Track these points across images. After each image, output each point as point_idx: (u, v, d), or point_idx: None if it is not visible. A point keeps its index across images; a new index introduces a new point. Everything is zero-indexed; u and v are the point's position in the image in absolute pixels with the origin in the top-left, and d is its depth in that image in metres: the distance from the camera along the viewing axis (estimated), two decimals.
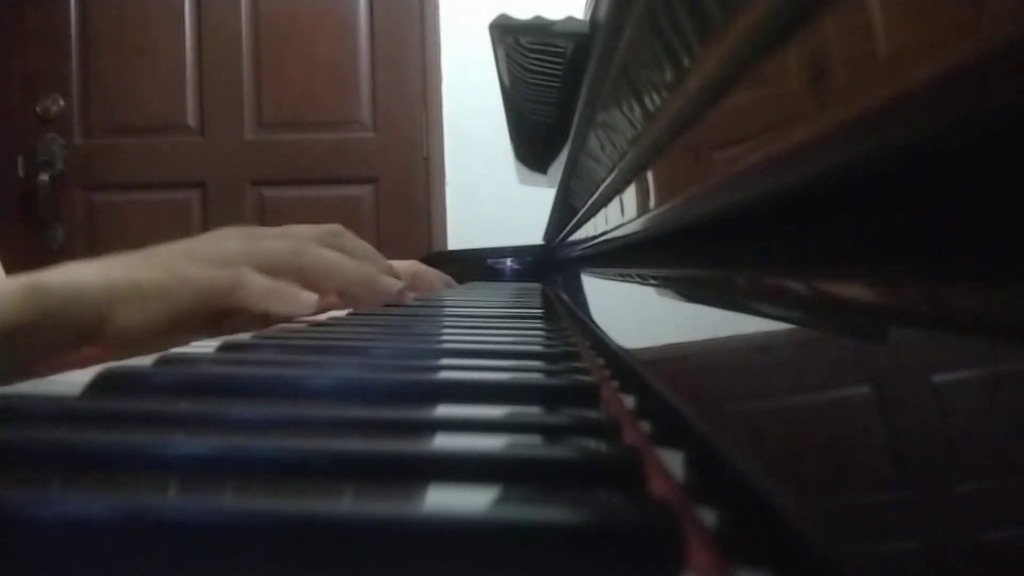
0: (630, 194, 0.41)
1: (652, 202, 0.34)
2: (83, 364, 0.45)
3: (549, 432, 0.22)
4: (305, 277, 0.56)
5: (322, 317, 0.59)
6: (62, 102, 2.35)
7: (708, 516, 0.17)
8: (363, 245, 0.64)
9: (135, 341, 0.50)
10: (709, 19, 0.21)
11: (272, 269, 0.55)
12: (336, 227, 0.63)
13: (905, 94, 0.11)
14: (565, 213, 0.96)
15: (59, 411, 0.23)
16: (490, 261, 1.52)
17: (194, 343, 0.40)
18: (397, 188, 2.39)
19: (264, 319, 0.56)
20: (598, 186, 0.55)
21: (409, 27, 2.39)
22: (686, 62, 0.24)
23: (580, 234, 0.77)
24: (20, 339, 0.48)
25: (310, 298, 0.54)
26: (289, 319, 0.55)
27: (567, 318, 0.61)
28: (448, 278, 1.10)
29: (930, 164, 0.12)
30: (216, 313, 0.53)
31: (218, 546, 0.14)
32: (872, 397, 0.15)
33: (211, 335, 0.51)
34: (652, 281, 0.39)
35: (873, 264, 0.15)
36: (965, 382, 0.12)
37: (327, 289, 0.57)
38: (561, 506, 0.15)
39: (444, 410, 0.25)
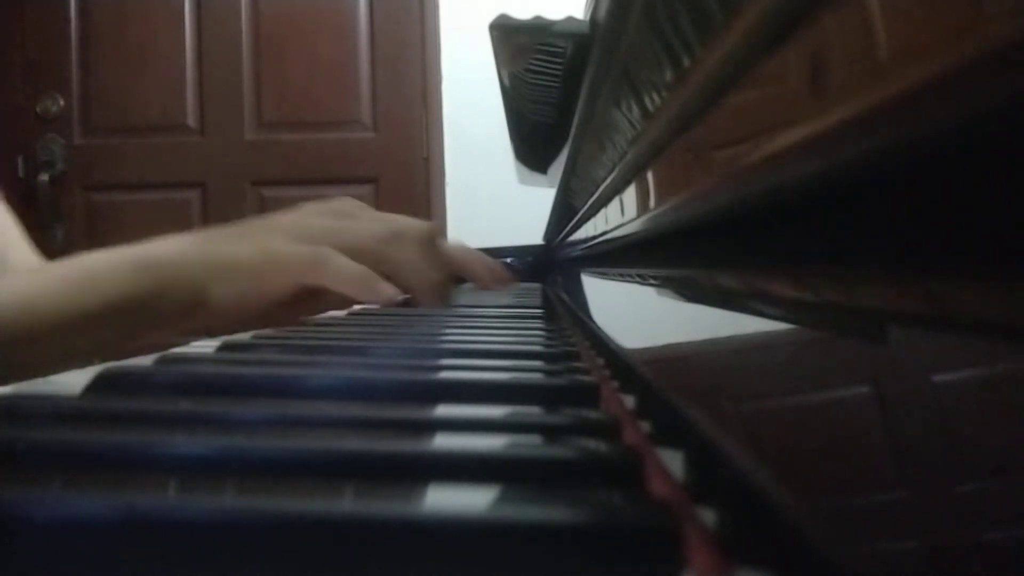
0: (630, 194, 0.41)
1: (652, 202, 0.34)
2: (181, 338, 0.45)
3: (549, 432, 0.22)
4: (384, 267, 0.56)
5: (322, 317, 0.59)
6: (62, 102, 2.35)
7: (708, 516, 0.17)
8: (432, 248, 0.63)
9: (229, 318, 0.50)
10: (709, 19, 0.21)
11: (356, 252, 0.54)
12: (345, 206, 0.62)
13: (905, 93, 0.11)
14: (565, 213, 0.96)
15: (59, 411, 0.23)
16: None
17: (194, 343, 0.40)
18: (397, 188, 2.39)
19: (345, 301, 0.57)
20: (598, 186, 0.55)
21: (409, 27, 2.39)
22: (686, 62, 0.24)
23: (580, 234, 0.77)
24: (129, 314, 0.48)
25: (391, 290, 0.53)
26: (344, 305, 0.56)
27: (567, 318, 0.61)
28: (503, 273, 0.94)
29: (930, 164, 0.12)
30: (302, 291, 0.53)
31: (218, 546, 0.14)
32: (872, 397, 0.15)
33: (298, 316, 0.52)
34: (652, 281, 0.39)
35: (873, 264, 0.15)
36: (965, 382, 0.12)
37: (398, 284, 0.57)
38: (561, 506, 0.15)
39: (444, 410, 0.25)
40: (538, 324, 0.52)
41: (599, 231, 0.58)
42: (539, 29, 0.63)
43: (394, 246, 0.58)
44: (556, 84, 0.73)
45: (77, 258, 0.51)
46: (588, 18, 0.54)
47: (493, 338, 0.45)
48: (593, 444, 0.20)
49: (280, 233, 0.54)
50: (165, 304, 0.49)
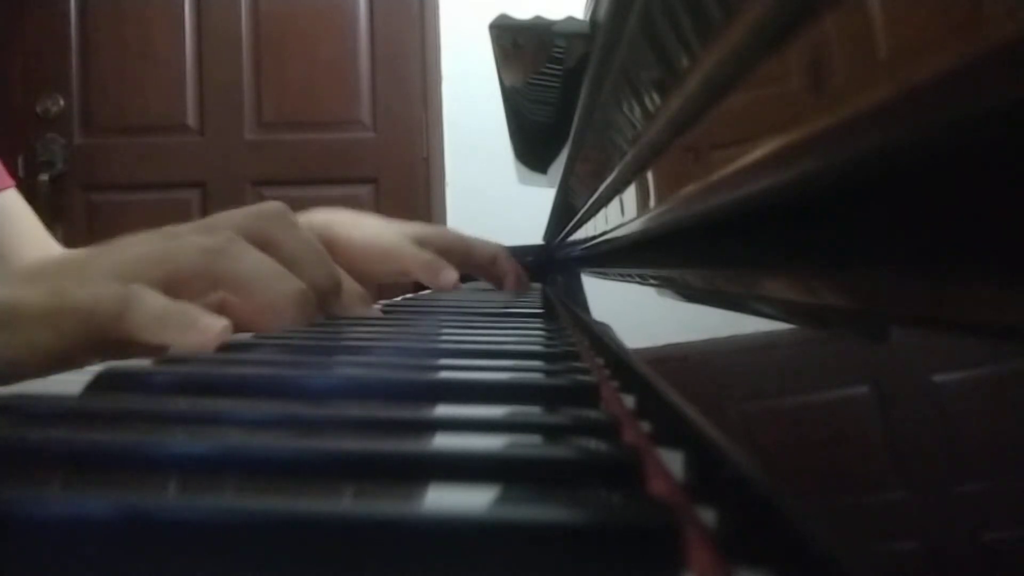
0: (630, 194, 0.41)
1: (652, 202, 0.34)
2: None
3: (549, 432, 0.22)
4: (222, 288, 0.45)
5: (321, 317, 0.59)
6: (62, 102, 2.35)
7: (708, 516, 0.17)
8: (303, 238, 0.51)
9: (20, 371, 0.41)
10: (708, 19, 0.21)
11: (180, 281, 0.44)
12: (274, 208, 0.51)
13: (905, 93, 0.11)
14: (565, 213, 0.96)
15: (59, 410, 0.23)
16: None
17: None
18: (397, 188, 2.39)
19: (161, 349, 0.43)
20: (598, 186, 0.55)
21: (409, 27, 2.39)
22: (686, 62, 0.24)
23: (580, 234, 0.77)
24: None
25: (212, 327, 0.40)
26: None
27: (567, 318, 0.61)
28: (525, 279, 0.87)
29: (930, 164, 0.12)
30: (110, 342, 0.42)
31: (218, 546, 0.14)
32: (872, 397, 0.15)
33: (128, 356, 0.42)
34: (652, 281, 0.39)
35: (873, 264, 0.15)
36: (965, 382, 0.12)
37: (246, 307, 0.45)
38: (561, 506, 0.15)
39: (444, 410, 0.25)
40: (538, 324, 0.52)
41: (599, 231, 0.58)
42: (539, 29, 0.63)
43: (221, 259, 0.45)
44: (556, 84, 0.73)
45: None
46: (588, 18, 0.54)
47: (493, 338, 0.45)
48: (593, 444, 0.20)
49: (89, 272, 0.45)
50: None
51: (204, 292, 0.44)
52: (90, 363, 0.39)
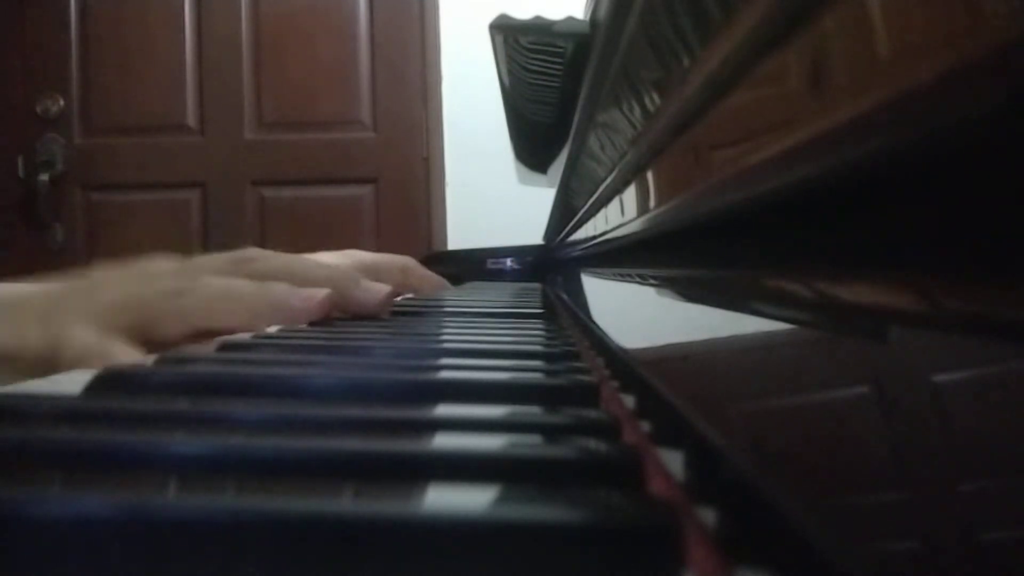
0: (630, 194, 0.41)
1: (652, 202, 0.34)
2: None
3: (549, 432, 0.22)
4: (195, 322, 0.46)
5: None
6: (62, 102, 2.35)
7: (708, 516, 0.17)
8: (281, 262, 0.52)
9: None
10: (709, 19, 0.21)
11: (150, 325, 0.45)
12: (247, 252, 0.53)
13: (904, 94, 0.11)
14: (565, 213, 0.96)
15: (59, 410, 0.23)
16: (490, 261, 1.52)
17: (195, 344, 0.40)
18: (397, 188, 2.39)
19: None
20: (598, 186, 0.55)
21: (409, 27, 2.39)
22: (686, 62, 0.24)
23: (580, 234, 0.77)
24: None
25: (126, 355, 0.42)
26: None
27: (567, 318, 0.61)
28: (442, 281, 0.92)
29: (930, 164, 0.12)
30: None
31: (218, 545, 0.14)
32: (872, 397, 0.15)
33: None
34: (652, 281, 0.39)
35: (873, 264, 0.15)
36: (965, 382, 0.12)
37: (228, 327, 0.46)
38: (561, 505, 0.15)
39: (444, 410, 0.25)
40: (538, 324, 0.52)
41: (599, 231, 0.58)
42: (539, 29, 0.63)
43: (187, 294, 0.47)
44: (556, 84, 0.73)
45: None
46: (588, 18, 0.54)
47: (493, 338, 0.45)
48: (593, 444, 0.20)
49: (61, 312, 0.45)
50: None
51: (178, 332, 0.45)
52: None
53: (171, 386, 0.28)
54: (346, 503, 0.16)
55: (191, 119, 2.38)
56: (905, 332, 0.13)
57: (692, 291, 0.31)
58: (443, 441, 0.21)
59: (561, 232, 1.07)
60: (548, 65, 0.71)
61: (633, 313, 0.43)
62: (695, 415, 0.20)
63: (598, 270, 0.66)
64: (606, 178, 0.49)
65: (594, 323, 0.50)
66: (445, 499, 0.17)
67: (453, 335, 0.48)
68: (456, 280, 1.19)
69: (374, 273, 0.68)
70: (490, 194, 2.25)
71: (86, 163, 2.36)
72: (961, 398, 0.12)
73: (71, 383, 0.27)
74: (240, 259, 0.52)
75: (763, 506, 0.14)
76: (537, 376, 0.31)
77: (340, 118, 2.38)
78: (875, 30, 0.12)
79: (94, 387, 0.27)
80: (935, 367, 0.12)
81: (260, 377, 0.29)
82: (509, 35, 0.69)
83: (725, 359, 0.25)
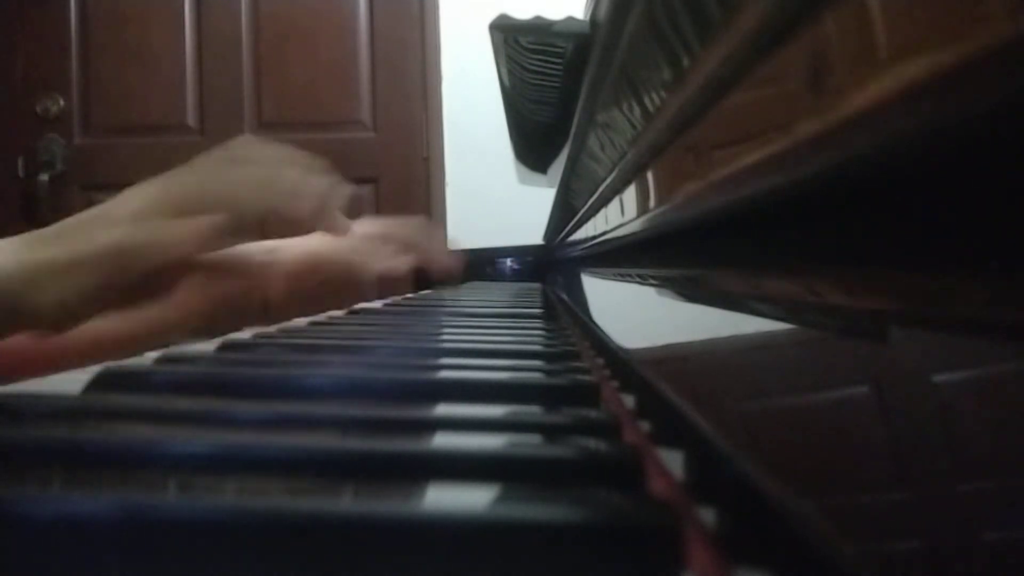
0: (630, 194, 0.41)
1: (652, 202, 0.34)
2: (25, 357, 0.44)
3: (550, 431, 0.22)
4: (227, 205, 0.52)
5: (322, 317, 0.59)
6: (62, 102, 2.35)
7: (708, 516, 0.17)
8: (272, 151, 0.58)
9: (62, 320, 0.47)
10: (709, 19, 0.21)
11: (193, 206, 0.51)
12: (241, 139, 0.58)
13: (904, 94, 0.11)
14: (565, 213, 0.96)
15: (59, 409, 0.23)
16: (490, 262, 1.52)
17: (195, 344, 0.40)
18: (397, 188, 2.39)
19: (209, 290, 0.52)
20: (598, 186, 0.55)
21: (409, 27, 2.39)
22: (686, 62, 0.24)
23: (580, 234, 0.77)
24: None
25: (210, 222, 0.49)
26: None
27: (567, 318, 0.61)
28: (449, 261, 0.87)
29: (930, 164, 0.12)
30: (146, 278, 0.49)
31: (218, 545, 0.14)
32: (872, 397, 0.15)
33: (148, 303, 0.50)
34: (652, 281, 0.39)
35: (873, 264, 0.15)
36: (965, 382, 0.12)
37: (253, 216, 0.53)
38: (562, 505, 0.15)
39: (445, 409, 0.25)
40: (538, 324, 0.52)
41: (599, 231, 0.58)
42: (539, 29, 0.63)
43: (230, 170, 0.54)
44: (556, 84, 0.73)
45: None
46: (588, 18, 0.54)
47: (493, 338, 0.45)
48: (593, 444, 0.20)
49: (109, 221, 0.51)
50: None
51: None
52: (136, 303, 0.47)
53: (171, 385, 0.28)
54: (346, 503, 0.16)
55: (191, 119, 2.38)
56: (905, 332, 0.13)
57: (692, 291, 0.31)
58: (444, 441, 0.21)
59: (561, 232, 1.07)
60: (548, 65, 0.70)
61: (633, 313, 0.43)
62: (695, 415, 0.20)
63: (598, 270, 0.66)
64: (606, 178, 0.49)
65: (594, 323, 0.50)
66: (446, 498, 0.17)
67: (454, 335, 0.48)
68: (456, 280, 1.19)
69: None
70: (490, 194, 2.25)
71: (86, 163, 2.36)
72: (961, 398, 0.12)
73: (71, 383, 0.27)
74: (239, 146, 0.57)
75: (763, 506, 0.14)
76: (537, 376, 0.31)
77: (340, 118, 2.38)
78: (876, 30, 0.12)
79: (94, 386, 0.27)
80: (935, 367, 0.12)
81: (260, 377, 0.29)
82: (509, 35, 0.69)
83: (725, 359, 0.25)
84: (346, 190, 0.60)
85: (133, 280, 0.49)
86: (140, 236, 0.48)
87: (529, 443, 0.21)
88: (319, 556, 0.14)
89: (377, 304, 0.69)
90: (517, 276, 1.51)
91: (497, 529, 0.14)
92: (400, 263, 0.68)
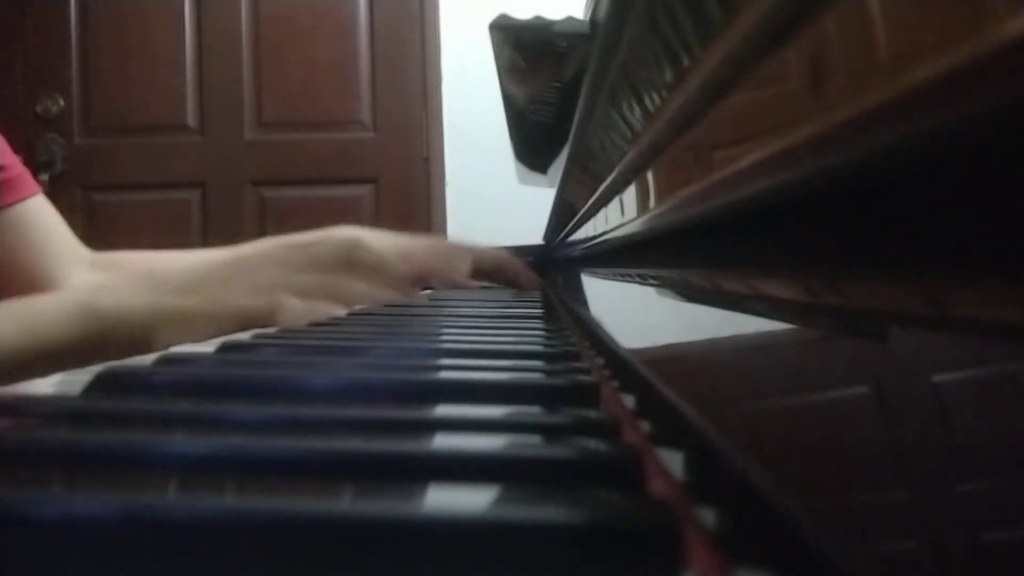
0: (630, 194, 0.41)
1: (652, 202, 0.34)
2: None
3: (549, 432, 0.22)
4: (337, 298, 0.61)
5: (322, 317, 0.59)
6: (62, 102, 2.35)
7: (708, 516, 0.17)
8: (379, 256, 0.69)
9: None
10: (709, 19, 0.21)
11: (308, 295, 0.60)
12: (352, 239, 0.68)
13: (904, 94, 0.11)
14: (565, 213, 0.96)
15: (59, 410, 0.23)
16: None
17: (195, 343, 0.40)
18: (397, 188, 2.39)
19: None
20: (598, 186, 0.55)
21: (409, 27, 2.39)
22: (686, 62, 0.24)
23: (580, 234, 0.77)
24: (72, 357, 0.51)
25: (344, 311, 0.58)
26: None
27: (567, 318, 0.61)
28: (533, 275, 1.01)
29: (930, 164, 0.12)
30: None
31: (218, 546, 0.14)
32: (872, 397, 0.15)
33: None
34: (652, 281, 0.39)
35: (873, 264, 0.15)
36: (965, 382, 0.12)
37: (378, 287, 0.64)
38: (561, 506, 0.15)
39: (444, 410, 0.25)
40: (538, 324, 0.52)
41: (599, 231, 0.58)
42: (539, 29, 0.63)
43: (338, 289, 0.63)
44: (556, 84, 0.73)
45: (28, 299, 0.55)
46: (588, 18, 0.54)
47: (493, 338, 0.45)
48: (593, 444, 0.20)
49: (234, 286, 0.59)
50: (109, 349, 0.52)
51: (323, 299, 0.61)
52: None
53: (171, 386, 0.28)
54: (346, 503, 0.16)
55: (191, 119, 2.38)
56: (905, 332, 0.13)
57: (692, 291, 0.31)
58: (443, 441, 0.21)
59: (561, 232, 1.07)
60: (548, 65, 0.70)
61: (633, 313, 0.43)
62: (695, 415, 0.20)
63: (598, 270, 0.66)
64: (606, 178, 0.49)
65: (594, 323, 0.50)
66: (445, 499, 0.17)
67: (453, 335, 0.48)
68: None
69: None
70: (490, 194, 2.25)
71: (86, 163, 2.36)
72: (961, 398, 0.12)
73: (71, 384, 0.27)
74: (349, 246, 0.67)
75: (763, 506, 0.14)
76: (537, 376, 0.31)
77: (340, 118, 2.38)
78: (875, 30, 0.12)
79: (94, 387, 0.27)
80: (935, 367, 0.12)
81: (260, 377, 0.29)
82: (509, 35, 0.69)
83: (725, 359, 0.25)
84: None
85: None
86: (289, 308, 0.58)
87: (529, 443, 0.21)
88: (319, 557, 0.14)
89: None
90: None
91: (497, 530, 0.14)
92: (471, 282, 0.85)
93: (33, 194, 0.88)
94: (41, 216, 0.88)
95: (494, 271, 0.93)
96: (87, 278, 0.75)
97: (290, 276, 0.62)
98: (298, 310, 0.58)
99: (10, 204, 0.84)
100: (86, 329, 0.53)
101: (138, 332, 0.53)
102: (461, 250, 0.89)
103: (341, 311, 0.59)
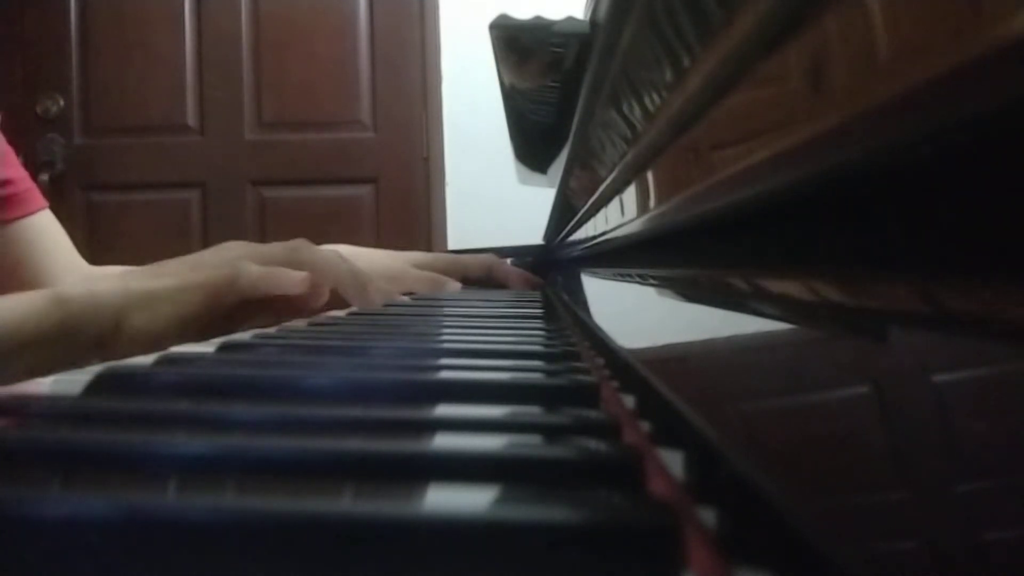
0: (630, 194, 0.41)
1: (652, 202, 0.34)
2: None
3: (549, 432, 0.22)
4: (298, 267, 0.61)
5: (322, 317, 0.59)
6: (62, 102, 2.35)
7: (708, 516, 0.17)
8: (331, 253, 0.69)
9: (149, 343, 0.53)
10: (709, 19, 0.21)
11: (268, 259, 0.61)
12: (299, 241, 0.69)
13: (904, 94, 0.11)
14: (565, 213, 0.96)
15: (59, 410, 0.23)
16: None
17: (195, 343, 0.40)
18: (397, 188, 2.39)
19: (271, 310, 0.61)
20: (598, 186, 0.55)
21: (409, 27, 2.39)
22: (686, 62, 0.24)
23: (580, 234, 0.77)
24: (44, 347, 0.52)
25: (299, 275, 0.59)
26: (297, 313, 0.61)
27: (567, 318, 0.61)
28: (530, 275, 1.08)
29: (930, 164, 0.12)
30: (226, 310, 0.58)
31: (218, 546, 0.14)
32: (872, 397, 0.15)
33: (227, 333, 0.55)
34: (652, 281, 0.39)
35: (873, 264, 0.15)
36: (965, 382, 0.12)
37: (320, 284, 0.62)
38: (561, 506, 0.15)
39: (444, 410, 0.25)
40: (538, 324, 0.52)
41: (599, 231, 0.58)
42: (539, 29, 0.63)
43: (300, 252, 0.64)
44: (556, 84, 0.73)
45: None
46: (588, 18, 0.54)
47: (493, 338, 0.45)
48: (593, 444, 0.20)
49: (200, 264, 0.61)
50: (81, 335, 0.53)
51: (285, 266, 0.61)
52: (221, 331, 0.52)
53: (171, 386, 0.28)
54: (346, 503, 0.16)
55: (191, 119, 2.38)
56: (905, 332, 0.13)
57: (692, 291, 0.31)
58: (443, 441, 0.21)
59: (561, 232, 1.07)
60: (548, 65, 0.70)
61: (633, 313, 0.43)
62: (695, 415, 0.20)
63: (598, 270, 0.66)
64: (606, 178, 0.49)
65: (594, 323, 0.50)
66: (445, 499, 0.17)
67: (453, 335, 0.48)
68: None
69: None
70: (490, 194, 2.25)
71: (86, 163, 2.36)
72: (961, 398, 0.12)
73: (71, 383, 0.27)
74: (296, 248, 0.67)
75: (763, 506, 0.14)
76: (537, 376, 0.31)
77: (340, 118, 2.38)
78: (876, 30, 0.12)
79: (94, 387, 0.27)
80: (935, 367, 0.12)
81: (260, 377, 0.29)
82: (509, 35, 0.69)
83: (725, 359, 0.25)
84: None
85: (222, 312, 0.58)
86: (248, 270, 0.58)
87: (529, 444, 0.21)
88: (320, 557, 0.14)
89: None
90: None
91: (497, 530, 0.14)
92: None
93: (40, 209, 0.90)
94: (46, 231, 0.90)
95: (484, 279, 0.97)
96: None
97: (255, 248, 0.64)
98: (255, 272, 0.59)
99: (16, 218, 0.87)
100: (56, 319, 0.53)
101: (107, 319, 0.54)
102: (452, 272, 0.93)
103: (298, 275, 0.60)
